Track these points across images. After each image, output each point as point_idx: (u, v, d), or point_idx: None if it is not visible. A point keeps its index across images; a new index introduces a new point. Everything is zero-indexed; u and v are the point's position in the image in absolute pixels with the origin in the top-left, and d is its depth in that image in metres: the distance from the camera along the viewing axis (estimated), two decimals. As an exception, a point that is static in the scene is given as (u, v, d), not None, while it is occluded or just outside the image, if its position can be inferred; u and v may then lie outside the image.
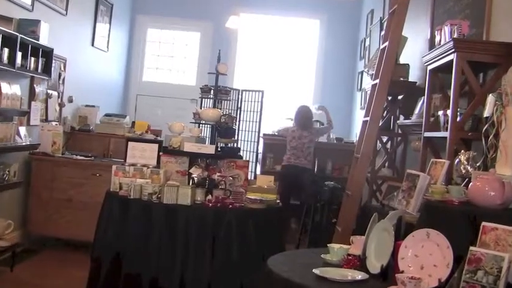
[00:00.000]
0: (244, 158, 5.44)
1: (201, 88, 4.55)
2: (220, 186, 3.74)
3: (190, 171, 3.88)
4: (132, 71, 8.46)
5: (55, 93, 5.78)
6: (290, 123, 6.79)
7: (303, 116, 6.49)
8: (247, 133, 7.34)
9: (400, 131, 5.38)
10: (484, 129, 2.93)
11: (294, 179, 6.04)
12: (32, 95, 5.25)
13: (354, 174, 4.69)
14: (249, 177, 4.40)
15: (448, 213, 2.43)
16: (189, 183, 3.83)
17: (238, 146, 6.57)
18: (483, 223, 2.07)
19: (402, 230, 2.49)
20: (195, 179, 3.82)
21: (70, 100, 6.20)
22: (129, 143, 4.15)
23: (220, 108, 4.42)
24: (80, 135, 6.07)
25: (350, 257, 2.39)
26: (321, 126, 6.89)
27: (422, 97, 4.35)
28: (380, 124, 4.90)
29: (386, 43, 4.61)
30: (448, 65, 3.48)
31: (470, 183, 2.56)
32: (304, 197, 6.35)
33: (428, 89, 4.01)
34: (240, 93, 7.43)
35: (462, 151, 3.04)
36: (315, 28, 8.47)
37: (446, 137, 3.41)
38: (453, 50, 3.36)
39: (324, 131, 6.82)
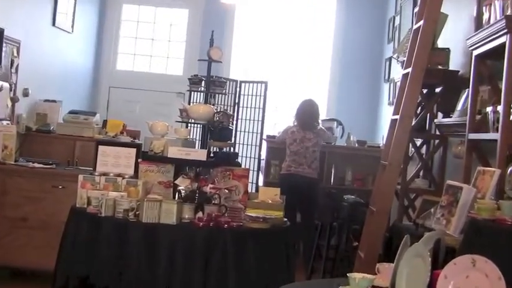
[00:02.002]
0: (243, 166, 5.45)
1: (189, 79, 4.54)
2: (213, 201, 3.74)
3: (176, 182, 3.87)
4: (104, 58, 8.47)
5: (6, 85, 5.78)
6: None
7: (307, 113, 6.46)
8: (246, 135, 7.35)
9: (438, 132, 5.37)
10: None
11: (296, 192, 5.96)
12: (-22, 87, 5.25)
13: (380, 186, 4.68)
14: (250, 190, 4.39)
15: (499, 235, 2.43)
16: (174, 198, 3.82)
17: (236, 150, 6.59)
18: (543, 247, 2.06)
19: (441, 256, 2.49)
20: (182, 192, 3.81)
21: (25, 93, 6.20)
22: (100, 147, 4.14)
23: (213, 104, 4.42)
24: (37, 138, 6.06)
25: (376, 290, 2.38)
26: (327, 132, 6.75)
27: (466, 90, 4.35)
28: (413, 124, 4.89)
29: (421, 22, 4.61)
30: (499, 49, 3.47)
31: (527, 198, 2.56)
32: (307, 213, 6.33)
33: (473, 79, 4.01)
34: (238, 85, 7.43)
35: (516, 157, 3.03)
36: (331, 3, 8.48)
37: (496, 140, 3.41)
38: (505, 30, 3.35)
39: (327, 137, 6.74)
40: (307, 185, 6.26)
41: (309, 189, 6.26)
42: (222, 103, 6.65)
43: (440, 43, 5.24)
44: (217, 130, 4.23)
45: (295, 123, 6.50)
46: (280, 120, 8.18)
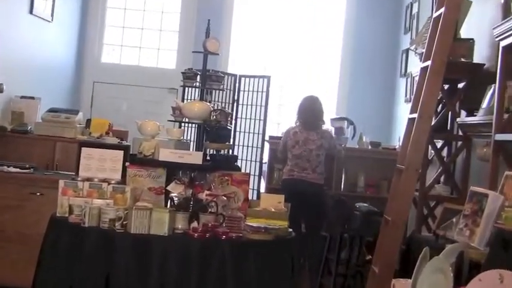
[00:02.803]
0: (243, 170, 5.45)
1: (183, 73, 4.54)
2: (209, 210, 3.74)
3: (168, 188, 3.87)
4: (87, 49, 8.47)
5: (-21, 80, 5.78)
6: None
7: (309, 110, 6.42)
8: (247, 135, 7.35)
9: (460, 133, 5.37)
10: None
11: (300, 199, 5.92)
12: None
13: (396, 192, 4.67)
14: (250, 197, 4.39)
15: (529, 247, 2.42)
16: (166, 206, 3.82)
17: (235, 153, 6.58)
18: None
19: (465, 271, 2.49)
20: (175, 199, 3.81)
21: (0, 89, 6.20)
22: (83, 149, 4.15)
23: (209, 101, 4.42)
24: (13, 139, 6.06)
25: (392, 309, 2.38)
26: (333, 138, 6.65)
27: (493, 85, 4.34)
28: (433, 123, 4.88)
29: (442, 9, 4.61)
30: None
31: (561, 206, 2.55)
32: (313, 223, 6.31)
33: (501, 73, 4.00)
34: (238, 80, 7.43)
35: (549, 161, 3.03)
36: (342, -11, 8.49)
37: (526, 141, 3.41)
38: (536, 19, 3.36)
39: (334, 145, 6.60)
40: (312, 192, 6.23)
41: (314, 196, 6.23)
42: (220, 100, 6.66)
43: (464, 33, 5.24)
44: (214, 130, 4.24)
45: (297, 123, 6.46)
46: (284, 119, 8.18)
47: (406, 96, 7.33)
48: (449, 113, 5.48)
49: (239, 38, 8.53)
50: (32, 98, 6.46)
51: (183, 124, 5.31)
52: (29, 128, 6.19)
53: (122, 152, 4.12)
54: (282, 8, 8.53)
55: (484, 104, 4.64)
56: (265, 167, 7.36)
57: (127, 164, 4.02)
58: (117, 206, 3.65)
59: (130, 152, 4.27)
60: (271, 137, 7.33)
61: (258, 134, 7.28)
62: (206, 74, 4.38)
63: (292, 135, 6.37)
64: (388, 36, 8.20)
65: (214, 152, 4.29)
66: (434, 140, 5.49)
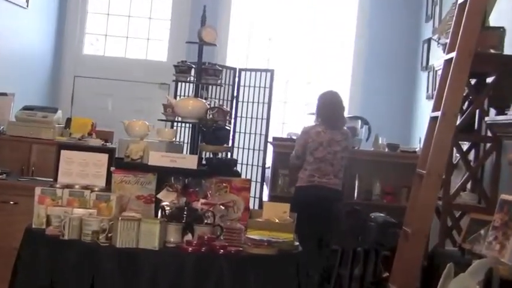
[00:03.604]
0: (243, 176, 5.45)
1: (175, 66, 4.55)
2: (205, 220, 3.74)
3: (159, 196, 3.87)
4: (67, 40, 8.47)
5: None
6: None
7: (333, 106, 6.38)
8: (247, 136, 7.34)
9: (489, 134, 5.36)
10: None
11: (319, 208, 5.91)
12: None
13: (416, 201, 4.67)
14: (251, 206, 4.40)
15: None
16: (156, 216, 3.82)
17: (234, 156, 6.58)
18: None
19: (494, 290, 2.49)
20: (167, 208, 3.82)
21: (-31, 85, 6.21)
22: (63, 151, 4.15)
23: (205, 98, 4.43)
24: (-16, 140, 6.08)
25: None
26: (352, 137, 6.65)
27: (526, 80, 4.35)
28: (458, 123, 4.88)
29: (468, -5, 4.61)
30: None
31: None
32: (324, 233, 6.31)
33: (534, 66, 4.01)
34: (238, 74, 7.43)
35: None
36: (355, -29, 8.50)
37: None
38: None
39: (351, 149, 6.65)
40: (332, 199, 6.15)
41: (332, 203, 6.17)
42: (217, 97, 6.66)
43: (493, 21, 5.24)
44: (211, 131, 4.24)
45: (317, 122, 6.39)
46: (289, 118, 8.18)
47: (427, 92, 7.33)
48: (477, 111, 5.47)
49: (239, 27, 8.53)
50: (5, 94, 6.46)
51: (175, 124, 5.32)
52: (1, 128, 6.19)
53: (106, 156, 4.13)
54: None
55: (516, 101, 4.65)
56: (268, 173, 7.36)
57: (112, 168, 4.03)
58: (101, 217, 3.65)
59: (116, 156, 4.28)
60: (275, 139, 7.33)
61: (260, 134, 7.28)
62: (202, 67, 4.39)
63: (314, 136, 6.25)
64: (407, 24, 8.19)
65: (211, 156, 4.29)
66: (460, 142, 5.49)
